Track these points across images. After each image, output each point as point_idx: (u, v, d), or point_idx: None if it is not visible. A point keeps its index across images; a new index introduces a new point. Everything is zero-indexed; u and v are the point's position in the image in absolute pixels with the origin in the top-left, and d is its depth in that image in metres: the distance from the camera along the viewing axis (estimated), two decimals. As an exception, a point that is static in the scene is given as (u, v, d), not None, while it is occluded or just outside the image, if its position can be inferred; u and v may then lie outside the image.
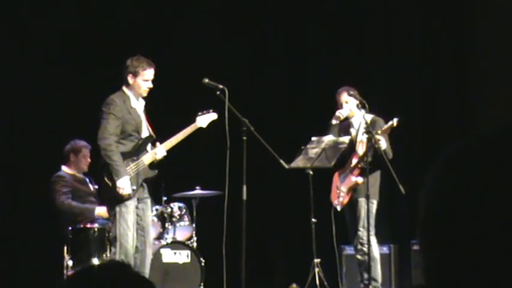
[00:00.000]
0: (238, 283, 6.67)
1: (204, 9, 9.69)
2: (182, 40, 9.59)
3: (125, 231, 6.69)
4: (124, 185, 6.66)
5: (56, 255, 7.76)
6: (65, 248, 7.66)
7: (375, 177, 7.50)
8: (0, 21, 9.21)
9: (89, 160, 8.24)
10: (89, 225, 7.74)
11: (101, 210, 7.76)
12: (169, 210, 8.00)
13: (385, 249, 8.67)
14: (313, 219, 7.39)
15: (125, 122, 6.80)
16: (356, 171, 7.42)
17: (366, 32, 9.75)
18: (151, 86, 6.88)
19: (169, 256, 7.70)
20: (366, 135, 7.36)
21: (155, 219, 7.94)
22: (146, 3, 9.62)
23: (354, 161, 7.55)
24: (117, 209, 6.72)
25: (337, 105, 7.61)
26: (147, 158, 6.93)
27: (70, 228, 7.70)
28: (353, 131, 7.62)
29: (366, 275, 7.46)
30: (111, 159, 6.69)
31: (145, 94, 6.89)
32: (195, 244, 8.03)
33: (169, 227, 7.96)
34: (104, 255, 7.65)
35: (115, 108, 6.76)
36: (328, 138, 7.24)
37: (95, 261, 7.64)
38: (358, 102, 7.44)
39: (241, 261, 6.62)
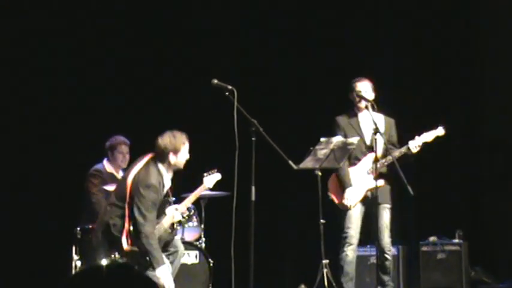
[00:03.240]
0: (247, 284, 6.66)
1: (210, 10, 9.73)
2: (189, 40, 9.62)
3: None
4: (163, 275, 6.74)
5: (65, 255, 7.77)
6: (74, 248, 7.67)
7: (391, 183, 7.56)
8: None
9: (127, 157, 8.29)
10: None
11: None
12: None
13: (394, 251, 8.65)
14: (322, 220, 7.38)
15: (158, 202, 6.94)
16: (375, 173, 7.37)
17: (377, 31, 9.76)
18: (188, 157, 7.01)
19: (177, 257, 7.69)
20: (379, 136, 7.32)
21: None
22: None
23: (367, 160, 7.50)
24: None
25: (353, 93, 7.58)
26: (166, 222, 7.14)
27: (78, 228, 7.71)
28: (365, 131, 7.55)
29: (386, 278, 7.50)
30: (153, 246, 6.75)
31: (182, 166, 7.03)
32: (203, 245, 8.04)
33: (178, 227, 7.96)
34: (112, 256, 7.65)
35: (155, 195, 6.83)
36: (337, 139, 7.23)
37: (103, 261, 7.64)
38: (369, 102, 7.42)
39: (249, 262, 6.62)
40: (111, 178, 8.11)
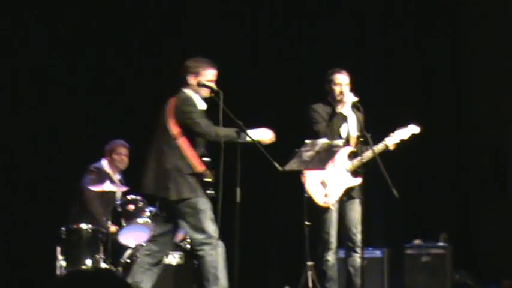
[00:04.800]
0: (232, 284, 6.67)
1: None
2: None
3: None
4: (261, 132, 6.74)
5: (49, 255, 7.77)
6: (58, 248, 7.67)
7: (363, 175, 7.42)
8: None
9: (126, 160, 8.36)
10: (82, 226, 7.74)
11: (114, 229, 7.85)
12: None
13: (378, 253, 8.68)
14: (307, 222, 7.37)
15: None
16: (354, 171, 7.35)
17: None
18: (213, 86, 6.85)
19: (162, 257, 7.69)
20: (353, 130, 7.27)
21: (149, 220, 7.95)
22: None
23: (342, 155, 7.40)
24: None
25: (330, 85, 7.47)
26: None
27: (63, 228, 7.71)
28: (347, 128, 7.46)
29: (359, 281, 7.39)
30: (220, 132, 6.64)
31: (207, 95, 6.85)
32: (188, 246, 8.04)
33: (163, 228, 7.96)
34: (97, 256, 7.65)
35: (197, 108, 6.76)
36: (322, 141, 7.21)
37: (88, 262, 7.64)
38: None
39: (234, 263, 6.62)
40: (108, 178, 8.11)
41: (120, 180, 8.39)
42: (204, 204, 6.70)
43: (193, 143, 6.71)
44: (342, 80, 7.46)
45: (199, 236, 6.68)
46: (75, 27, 9.39)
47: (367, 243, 8.10)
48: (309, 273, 7.38)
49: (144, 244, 7.84)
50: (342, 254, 7.59)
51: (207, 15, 9.72)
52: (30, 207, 9.01)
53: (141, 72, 9.51)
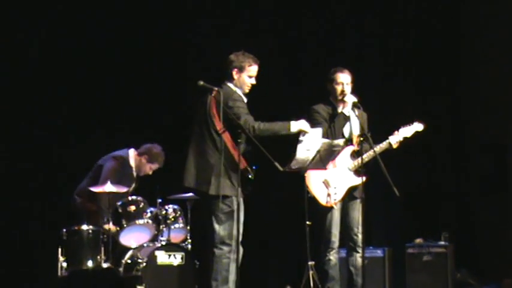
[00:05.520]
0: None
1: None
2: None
3: None
4: (297, 126, 6.74)
5: (51, 256, 7.77)
6: (59, 249, 7.67)
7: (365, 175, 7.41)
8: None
9: (154, 169, 8.34)
10: (83, 227, 7.73)
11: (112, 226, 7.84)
12: (164, 212, 8.01)
13: (380, 253, 8.68)
14: (308, 222, 7.36)
15: None
16: (357, 170, 7.34)
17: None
18: (254, 82, 6.89)
19: (163, 258, 7.69)
20: (356, 130, 7.27)
21: (150, 221, 7.95)
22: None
23: (345, 154, 7.38)
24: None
25: (332, 84, 7.44)
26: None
27: (64, 229, 7.70)
28: (349, 128, 7.43)
29: (360, 280, 7.38)
30: (266, 126, 6.68)
31: (247, 90, 6.88)
32: (189, 246, 8.03)
33: (164, 229, 7.96)
34: (98, 257, 7.65)
35: (243, 103, 6.77)
36: (323, 141, 7.21)
37: (89, 263, 7.64)
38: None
39: (236, 263, 6.62)
40: (129, 173, 8.14)
41: (136, 180, 8.39)
42: (238, 205, 6.69)
43: (237, 139, 6.68)
44: (343, 79, 7.44)
45: (222, 235, 6.66)
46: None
47: (368, 242, 8.11)
48: (311, 272, 7.38)
49: (145, 245, 7.85)
50: (343, 253, 7.58)
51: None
52: (30, 208, 9.01)
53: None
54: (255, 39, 9.42)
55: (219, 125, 6.67)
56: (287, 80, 9.71)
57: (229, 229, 6.62)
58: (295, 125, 6.74)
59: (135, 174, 8.37)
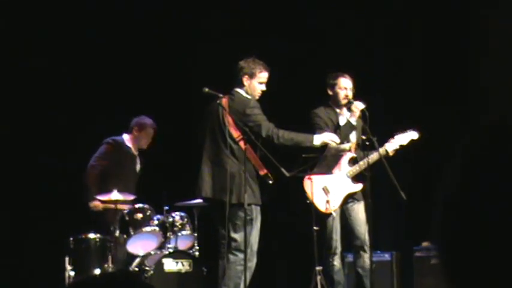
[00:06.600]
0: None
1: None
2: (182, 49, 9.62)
3: None
4: (321, 139, 6.79)
5: (57, 265, 7.76)
6: (66, 258, 7.66)
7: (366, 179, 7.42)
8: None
9: (150, 140, 8.36)
10: (90, 235, 7.74)
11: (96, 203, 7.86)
12: (171, 219, 8.00)
13: (387, 256, 8.66)
14: (315, 227, 7.37)
15: None
16: (355, 177, 7.33)
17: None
18: (265, 89, 6.87)
19: (171, 265, 7.69)
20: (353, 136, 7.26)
21: (157, 228, 7.94)
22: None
23: (344, 161, 7.37)
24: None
25: (334, 88, 7.43)
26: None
27: (71, 238, 7.71)
28: (354, 136, 7.44)
29: (368, 283, 7.38)
30: (289, 135, 6.73)
31: (258, 97, 6.89)
32: (197, 253, 8.03)
33: (171, 236, 7.95)
34: (106, 265, 7.65)
35: (259, 109, 6.78)
36: (329, 146, 7.21)
37: (97, 271, 7.64)
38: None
39: (244, 269, 6.62)
40: (129, 154, 8.22)
41: (139, 158, 8.41)
42: (257, 214, 6.69)
43: (254, 145, 6.68)
44: (346, 84, 7.43)
45: (239, 242, 6.65)
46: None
47: (375, 246, 8.09)
48: (318, 278, 7.37)
49: (152, 252, 7.84)
50: (350, 257, 7.57)
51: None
52: (37, 217, 9.01)
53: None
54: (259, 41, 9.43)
55: (235, 133, 6.66)
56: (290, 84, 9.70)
57: (246, 237, 6.62)
58: (319, 138, 6.72)
59: (136, 152, 8.39)
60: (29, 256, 8.95)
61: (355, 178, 7.35)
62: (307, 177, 7.28)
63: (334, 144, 6.83)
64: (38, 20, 9.17)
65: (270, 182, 6.70)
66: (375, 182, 7.13)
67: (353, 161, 7.39)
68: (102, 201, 7.95)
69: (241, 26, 9.60)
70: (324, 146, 6.91)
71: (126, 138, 8.40)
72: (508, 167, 1.41)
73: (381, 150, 7.33)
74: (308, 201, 7.35)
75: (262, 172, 6.66)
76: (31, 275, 8.91)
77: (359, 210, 7.39)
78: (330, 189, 7.31)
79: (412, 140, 7.50)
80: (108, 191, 7.75)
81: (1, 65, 8.97)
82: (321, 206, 7.34)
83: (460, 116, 9.38)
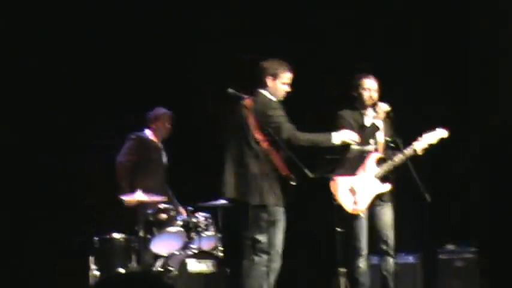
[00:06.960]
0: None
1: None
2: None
3: None
4: (340, 137, 6.80)
5: (82, 265, 7.80)
6: (91, 258, 7.70)
7: (393, 182, 7.41)
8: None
9: (169, 127, 8.45)
10: (115, 235, 7.77)
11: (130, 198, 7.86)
12: (194, 220, 8.01)
13: (411, 259, 8.63)
14: (338, 229, 7.36)
15: None
16: (383, 177, 7.31)
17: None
18: (288, 89, 6.88)
19: (194, 266, 7.70)
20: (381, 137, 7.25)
21: (181, 229, 7.96)
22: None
23: (371, 161, 7.36)
24: None
25: (358, 90, 7.44)
26: None
27: (96, 238, 7.74)
28: (381, 136, 7.42)
29: (392, 286, 7.38)
30: (306, 136, 6.75)
31: (282, 98, 6.91)
32: (220, 254, 8.03)
33: (195, 236, 7.96)
34: (129, 265, 7.68)
35: (282, 111, 6.81)
36: (353, 147, 7.20)
37: (121, 271, 7.67)
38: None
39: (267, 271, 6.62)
40: (155, 147, 8.28)
41: (163, 150, 8.48)
42: (281, 215, 6.70)
43: (277, 146, 6.69)
44: (370, 85, 7.42)
45: (264, 243, 6.66)
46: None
47: (399, 248, 8.07)
48: (342, 280, 7.35)
49: (176, 253, 7.86)
50: (375, 260, 7.55)
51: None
52: (37, 217, 9.03)
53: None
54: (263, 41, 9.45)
55: (258, 135, 6.66)
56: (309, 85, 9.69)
57: (270, 238, 6.62)
58: (337, 137, 6.71)
59: (160, 145, 8.47)
60: (29, 256, 8.98)
61: (383, 179, 7.33)
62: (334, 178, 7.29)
63: (353, 143, 6.82)
64: (38, 20, 9.18)
65: (293, 183, 6.69)
66: (398, 184, 7.11)
67: (381, 162, 7.37)
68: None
69: (241, 26, 9.57)
70: (347, 147, 6.90)
71: (148, 133, 8.48)
72: None
73: (409, 149, 7.32)
74: (335, 202, 7.34)
75: (285, 173, 6.66)
76: (31, 275, 8.94)
77: (387, 213, 7.38)
78: (356, 190, 7.30)
79: (442, 139, 7.47)
80: (139, 186, 7.81)
81: (1, 65, 9.00)
82: (348, 206, 7.33)
83: (460, 116, 9.34)
